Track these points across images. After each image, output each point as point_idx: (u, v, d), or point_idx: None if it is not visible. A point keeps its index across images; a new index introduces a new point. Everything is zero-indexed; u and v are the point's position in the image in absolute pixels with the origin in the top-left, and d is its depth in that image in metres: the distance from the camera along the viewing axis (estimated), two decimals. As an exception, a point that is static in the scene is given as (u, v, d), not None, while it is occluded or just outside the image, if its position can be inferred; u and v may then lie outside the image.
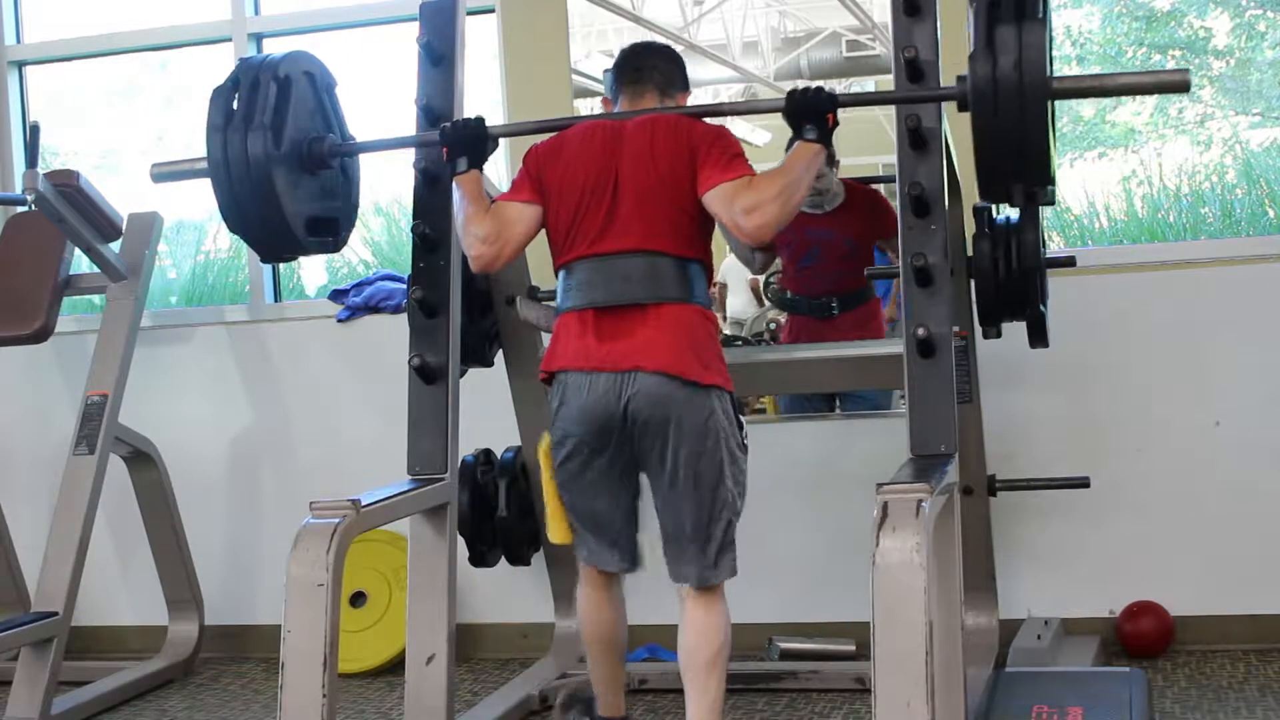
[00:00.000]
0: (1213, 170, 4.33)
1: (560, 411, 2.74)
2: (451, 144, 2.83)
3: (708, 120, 2.82)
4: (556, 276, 2.81)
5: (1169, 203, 4.27)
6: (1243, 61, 4.49)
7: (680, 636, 2.77)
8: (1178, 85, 2.47)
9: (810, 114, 2.63)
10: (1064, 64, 4.50)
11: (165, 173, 2.98)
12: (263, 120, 2.76)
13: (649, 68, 2.91)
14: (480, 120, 2.84)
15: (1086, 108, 4.62)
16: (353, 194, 3.13)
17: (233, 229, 2.91)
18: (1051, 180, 2.48)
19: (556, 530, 2.90)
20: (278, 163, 2.78)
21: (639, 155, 2.72)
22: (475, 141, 2.83)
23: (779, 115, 2.68)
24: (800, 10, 5.81)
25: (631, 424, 2.67)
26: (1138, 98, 4.58)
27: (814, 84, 2.67)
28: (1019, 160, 2.40)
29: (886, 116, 2.67)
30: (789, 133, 2.73)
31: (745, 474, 2.78)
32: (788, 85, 3.03)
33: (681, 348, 2.66)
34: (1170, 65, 4.62)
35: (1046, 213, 3.77)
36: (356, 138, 3.05)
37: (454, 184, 2.83)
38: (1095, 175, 4.41)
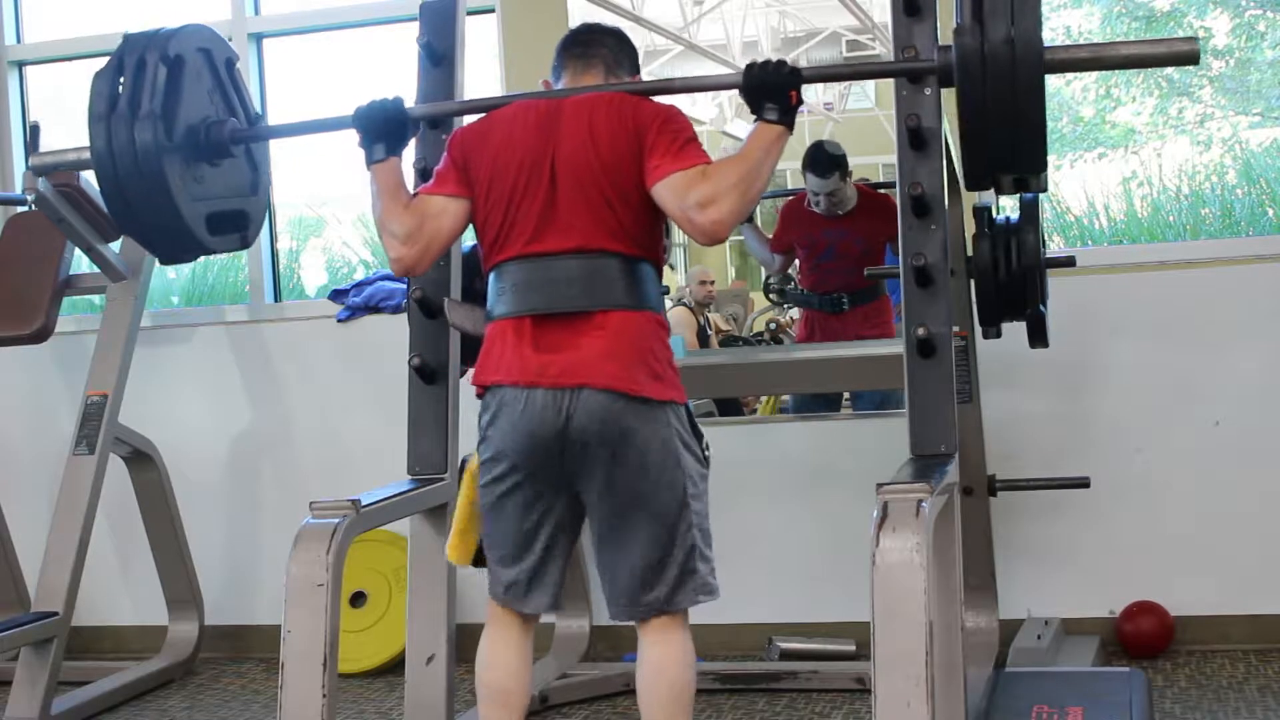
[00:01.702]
0: (1213, 170, 4.33)
1: (492, 429, 2.43)
2: (366, 128, 2.54)
3: (656, 99, 2.50)
4: (487, 277, 2.53)
5: (1169, 203, 4.27)
6: (1243, 61, 4.49)
7: (637, 676, 2.49)
8: (1187, 56, 2.20)
9: (771, 91, 2.35)
10: (1064, 64, 4.51)
11: (46, 164, 2.77)
12: (151, 107, 2.50)
13: (597, 44, 2.58)
14: (398, 100, 2.55)
15: (1086, 107, 4.62)
16: (261, 183, 2.88)
17: (125, 230, 2.62)
18: (1044, 165, 2.28)
19: (458, 550, 2.62)
20: (170, 153, 2.52)
21: (578, 138, 2.40)
22: (393, 124, 2.54)
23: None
24: (800, 10, 5.80)
25: (574, 446, 2.37)
26: (1137, 98, 4.59)
27: (774, 58, 2.38)
28: (1011, 142, 2.17)
29: (887, 117, 2.63)
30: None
31: (707, 490, 2.50)
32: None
33: (632, 360, 2.36)
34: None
35: (1046, 213, 3.77)
36: (267, 120, 2.80)
37: (369, 174, 2.54)
38: (1095, 175, 4.42)
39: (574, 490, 2.46)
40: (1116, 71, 4.51)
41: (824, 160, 4.26)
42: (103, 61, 2.60)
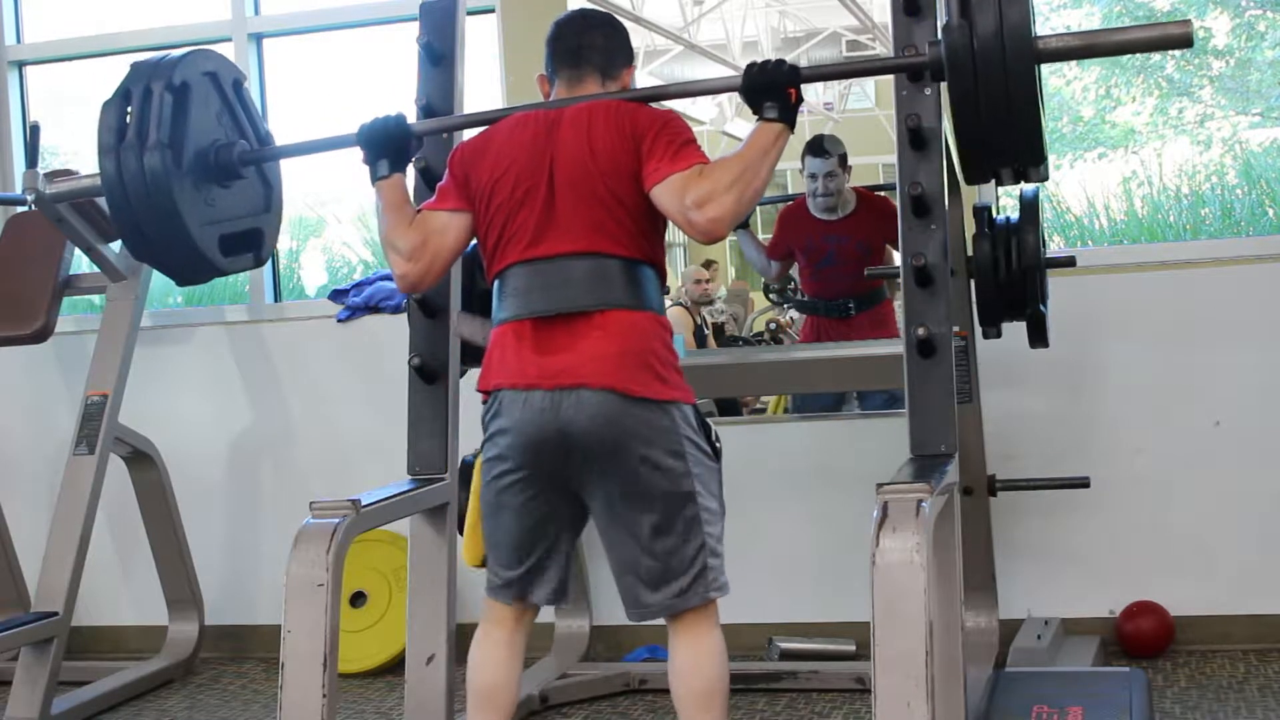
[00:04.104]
0: (1213, 170, 4.34)
1: (493, 431, 2.45)
2: (369, 145, 2.58)
3: (654, 104, 2.51)
4: (491, 286, 2.55)
5: (1169, 203, 4.28)
6: (1243, 61, 4.50)
7: (669, 673, 2.49)
8: (1180, 40, 2.18)
9: (770, 90, 2.35)
10: (1066, 65, 4.50)
11: (63, 192, 2.79)
12: (159, 136, 2.53)
13: (587, 47, 2.58)
14: (400, 117, 2.60)
15: (1086, 107, 4.62)
16: (274, 200, 2.92)
17: (139, 256, 2.69)
18: (1044, 156, 2.26)
19: (470, 549, 2.68)
20: (180, 179, 2.55)
21: (576, 147, 2.42)
22: (395, 142, 2.58)
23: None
24: (800, 10, 5.81)
25: (574, 448, 2.37)
26: (1137, 98, 4.59)
27: (773, 58, 2.41)
28: (1006, 134, 2.16)
29: (887, 117, 2.63)
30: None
31: (720, 483, 2.52)
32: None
33: (633, 360, 2.36)
34: (1170, 65, 4.63)
35: (1046, 213, 3.77)
36: (276, 138, 2.83)
37: (375, 190, 2.57)
38: (1095, 175, 4.43)
39: (576, 491, 2.46)
40: (1116, 70, 4.51)
41: (822, 142, 4.31)
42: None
